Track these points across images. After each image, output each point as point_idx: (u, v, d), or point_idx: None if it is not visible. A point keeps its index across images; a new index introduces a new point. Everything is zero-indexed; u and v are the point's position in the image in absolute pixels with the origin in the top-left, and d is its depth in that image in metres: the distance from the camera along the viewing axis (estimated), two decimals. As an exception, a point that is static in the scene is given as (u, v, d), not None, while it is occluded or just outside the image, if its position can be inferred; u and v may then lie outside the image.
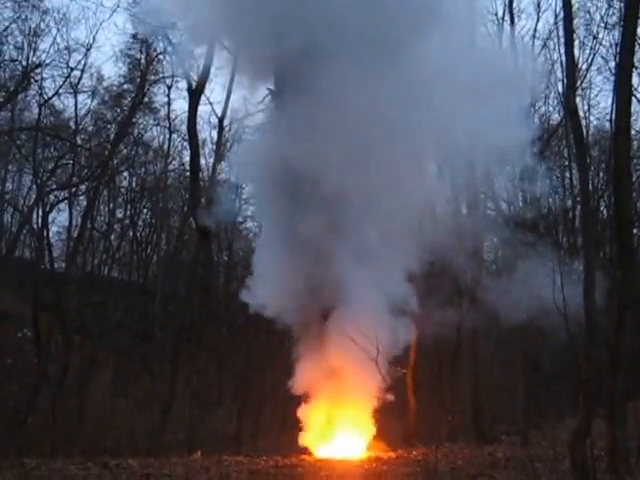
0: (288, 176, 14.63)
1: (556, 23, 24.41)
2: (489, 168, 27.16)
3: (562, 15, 17.16)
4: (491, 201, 27.41)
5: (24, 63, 23.97)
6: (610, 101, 23.78)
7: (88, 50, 23.87)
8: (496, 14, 24.74)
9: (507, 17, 23.97)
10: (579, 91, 24.21)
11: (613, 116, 21.47)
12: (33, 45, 24.47)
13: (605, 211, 25.82)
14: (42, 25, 24.19)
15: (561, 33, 20.76)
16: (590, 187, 21.44)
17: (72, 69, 23.72)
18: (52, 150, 26.68)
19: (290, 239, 14.78)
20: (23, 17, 23.58)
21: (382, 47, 13.86)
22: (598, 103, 27.39)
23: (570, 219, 25.44)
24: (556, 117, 27.04)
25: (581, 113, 21.94)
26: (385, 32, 13.67)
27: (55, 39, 24.37)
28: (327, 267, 14.54)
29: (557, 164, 27.69)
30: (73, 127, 25.53)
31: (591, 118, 27.57)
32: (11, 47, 23.66)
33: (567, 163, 26.71)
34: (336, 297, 14.77)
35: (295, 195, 14.85)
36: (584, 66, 25.34)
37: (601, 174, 26.55)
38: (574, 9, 19.39)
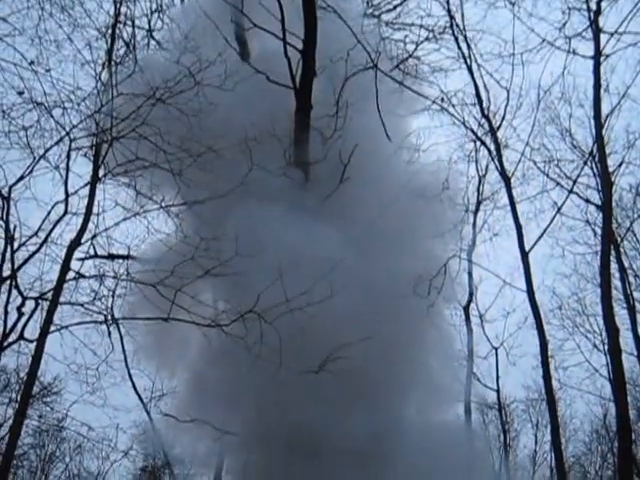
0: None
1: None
2: None
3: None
4: None
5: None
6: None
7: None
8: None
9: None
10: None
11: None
12: (46, 470, 25.03)
13: None
14: (57, 452, 24.89)
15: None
16: None
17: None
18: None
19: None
20: (40, 444, 24.38)
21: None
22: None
23: None
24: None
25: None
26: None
27: (67, 466, 24.95)
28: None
29: None
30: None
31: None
32: (25, 470, 24.22)
33: None
34: None
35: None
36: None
37: None
38: (569, 463, 19.77)
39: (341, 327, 10.99)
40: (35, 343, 11.51)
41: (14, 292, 12.60)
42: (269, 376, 10.73)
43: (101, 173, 13.31)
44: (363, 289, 11.39)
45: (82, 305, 12.86)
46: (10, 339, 12.35)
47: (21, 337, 12.33)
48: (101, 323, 11.99)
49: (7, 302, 12.95)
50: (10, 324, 12.63)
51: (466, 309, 20.77)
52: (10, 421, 16.50)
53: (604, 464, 26.12)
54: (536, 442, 27.26)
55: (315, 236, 11.40)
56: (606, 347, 18.18)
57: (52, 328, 12.65)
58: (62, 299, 12.81)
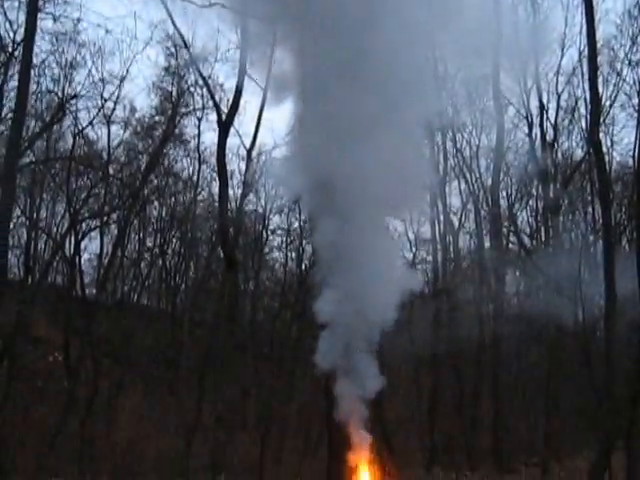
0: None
1: (580, 60, 24.78)
2: (512, 202, 27.64)
3: (587, 52, 17.65)
4: (514, 235, 27.84)
5: (60, 94, 24.57)
6: (634, 137, 24.03)
7: (121, 82, 24.51)
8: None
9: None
10: (602, 127, 24.48)
11: (636, 152, 22.07)
12: (69, 77, 25.01)
13: (627, 246, 25.94)
14: (78, 57, 24.76)
15: (585, 70, 21.41)
16: (613, 222, 21.64)
17: (106, 100, 24.34)
18: (85, 179, 27.21)
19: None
20: (60, 50, 24.26)
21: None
22: (621, 139, 27.52)
23: (592, 253, 25.59)
24: (579, 153, 27.37)
25: (604, 149, 22.13)
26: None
27: (90, 71, 24.85)
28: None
29: (580, 199, 27.98)
30: (105, 157, 26.10)
31: (614, 154, 27.80)
32: (48, 79, 24.34)
33: (590, 198, 27.01)
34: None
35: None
36: (607, 102, 25.63)
37: (624, 209, 26.74)
38: (598, 46, 19.78)
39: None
40: None
41: None
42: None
43: None
44: None
45: None
46: None
47: None
48: None
49: None
50: None
51: None
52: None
53: (633, 46, 25.81)
54: (566, 25, 26.79)
55: None
56: None
57: None
58: None
